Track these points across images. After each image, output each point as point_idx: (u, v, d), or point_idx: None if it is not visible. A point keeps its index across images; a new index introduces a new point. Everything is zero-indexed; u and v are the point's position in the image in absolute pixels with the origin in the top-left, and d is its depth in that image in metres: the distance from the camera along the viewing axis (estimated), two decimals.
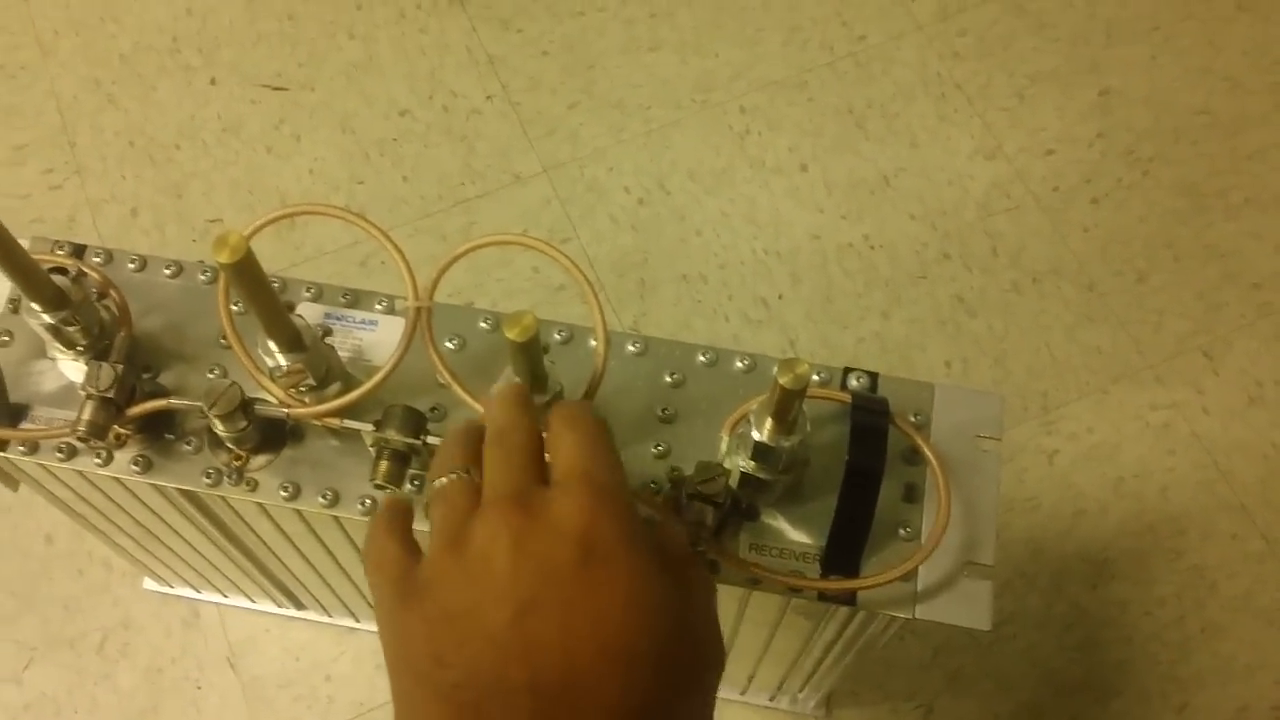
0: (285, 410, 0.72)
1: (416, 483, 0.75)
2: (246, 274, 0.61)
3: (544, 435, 0.58)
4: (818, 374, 0.77)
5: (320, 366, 0.72)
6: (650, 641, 0.50)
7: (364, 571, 0.57)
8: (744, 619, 0.85)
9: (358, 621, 1.25)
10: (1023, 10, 1.63)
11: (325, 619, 1.26)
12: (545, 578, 0.50)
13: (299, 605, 1.24)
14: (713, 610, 0.58)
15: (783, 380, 0.61)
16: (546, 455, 0.57)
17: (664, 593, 0.52)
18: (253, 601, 1.26)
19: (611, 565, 0.51)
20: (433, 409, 0.76)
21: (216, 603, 1.28)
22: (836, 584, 0.71)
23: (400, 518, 0.58)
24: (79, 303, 0.73)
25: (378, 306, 0.81)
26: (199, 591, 1.27)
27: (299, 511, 0.78)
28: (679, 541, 0.61)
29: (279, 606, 1.25)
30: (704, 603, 0.57)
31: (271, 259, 1.39)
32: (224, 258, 0.58)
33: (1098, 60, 1.60)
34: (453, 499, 0.55)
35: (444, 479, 0.56)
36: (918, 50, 1.61)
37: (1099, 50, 1.61)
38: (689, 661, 0.52)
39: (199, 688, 1.26)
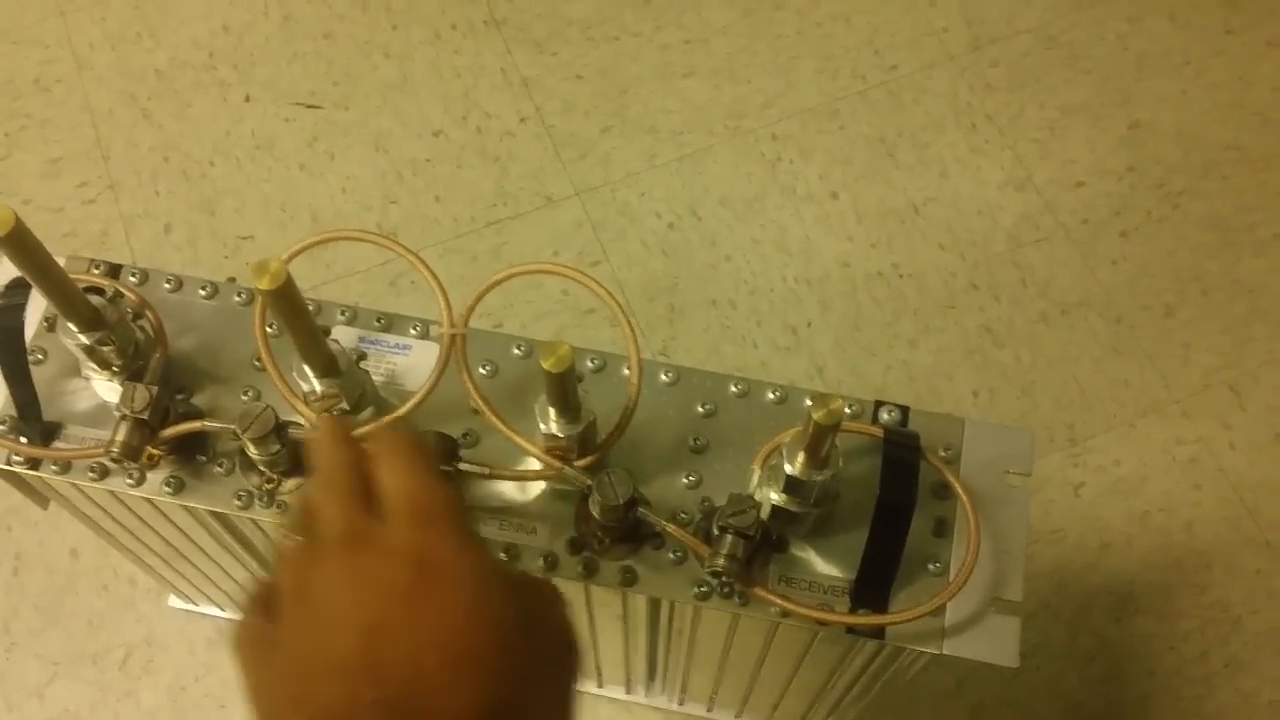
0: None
1: None
2: (286, 300, 0.61)
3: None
4: (849, 407, 0.78)
5: (354, 391, 0.73)
6: (496, 642, 0.51)
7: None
8: (771, 649, 0.85)
9: None
10: (1055, 42, 1.63)
11: None
12: (385, 601, 0.51)
13: None
14: (558, 607, 0.59)
15: (817, 415, 0.61)
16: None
17: (503, 595, 0.53)
18: None
19: (448, 577, 0.52)
20: (465, 435, 0.77)
21: None
22: (865, 619, 0.71)
23: (261, 590, 0.58)
24: (115, 323, 0.74)
25: (412, 331, 0.81)
26: (224, 610, 1.27)
27: None
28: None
29: None
30: (547, 600, 0.58)
31: (303, 277, 1.40)
32: (265, 284, 0.59)
33: (1129, 93, 1.60)
34: (294, 554, 0.56)
35: (293, 538, 0.58)
36: (949, 80, 1.61)
37: (1130, 83, 1.61)
38: (538, 658, 0.53)
39: (222, 706, 1.26)
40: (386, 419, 0.73)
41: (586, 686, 1.24)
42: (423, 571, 0.52)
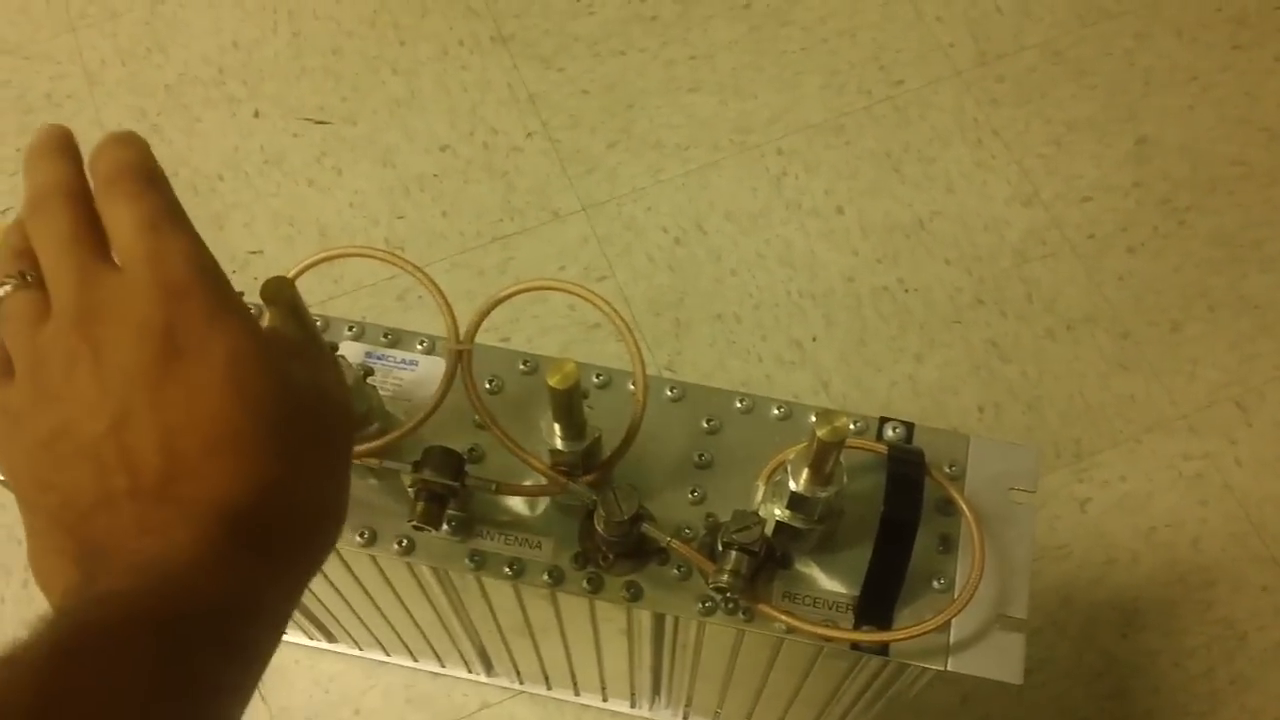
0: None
1: (453, 524, 0.76)
2: (294, 317, 0.61)
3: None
4: (854, 423, 0.78)
5: (361, 406, 0.73)
6: (256, 422, 0.47)
7: None
8: (776, 664, 0.85)
9: (388, 655, 1.26)
10: (1061, 58, 1.64)
11: (355, 652, 1.27)
12: (133, 382, 0.47)
13: (330, 638, 1.24)
14: (330, 370, 0.56)
15: (821, 432, 0.62)
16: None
17: (263, 367, 0.49)
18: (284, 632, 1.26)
19: (201, 352, 0.47)
20: (471, 450, 0.77)
21: None
22: (869, 635, 0.72)
23: None
24: None
25: (419, 346, 0.81)
26: None
27: (337, 550, 0.79)
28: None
29: (309, 638, 1.26)
30: (317, 364, 0.55)
31: (310, 292, 1.40)
32: (272, 300, 0.59)
33: (1135, 109, 1.61)
34: (17, 313, 0.50)
35: (5, 287, 0.50)
36: (955, 95, 1.61)
37: (1137, 99, 1.61)
38: (307, 428, 0.50)
39: None
40: (393, 435, 0.73)
41: (591, 700, 1.24)
42: (172, 348, 0.47)
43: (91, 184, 0.51)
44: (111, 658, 0.42)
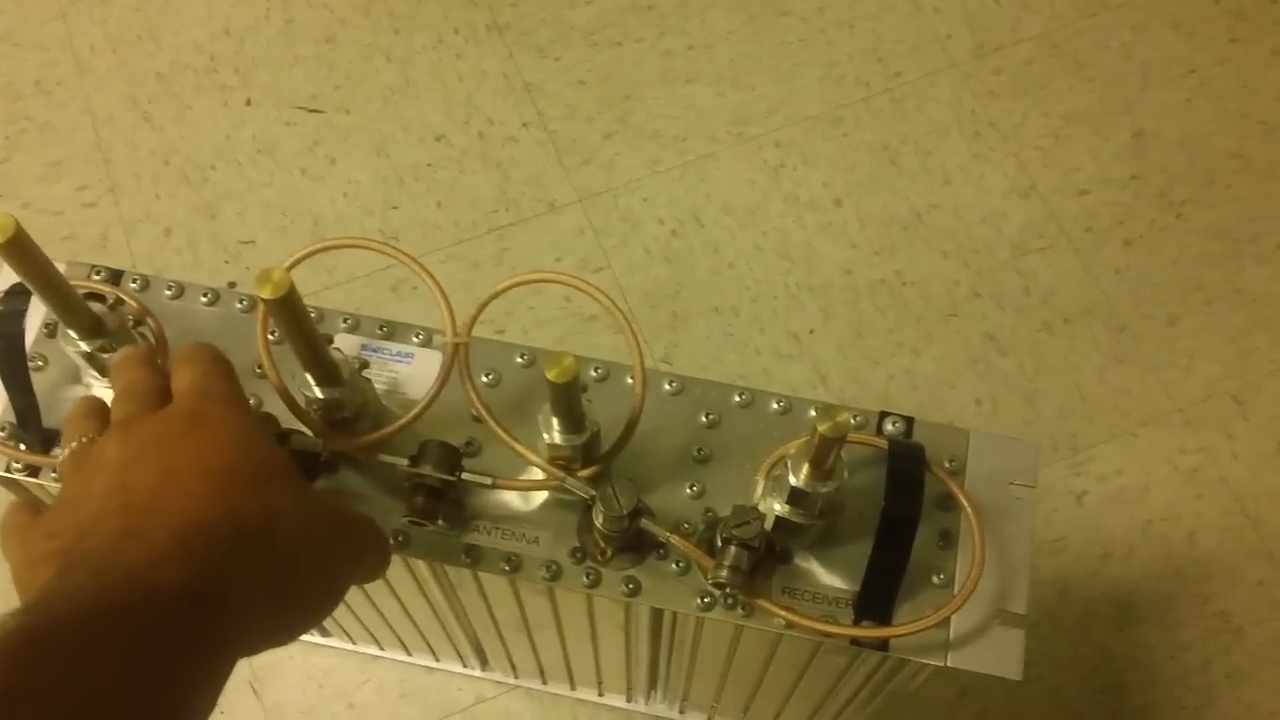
0: (320, 442, 0.72)
1: (449, 518, 0.75)
2: (288, 310, 0.61)
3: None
4: (854, 418, 0.77)
5: (357, 400, 0.72)
6: (253, 469, 0.54)
7: None
8: (774, 659, 0.85)
9: (382, 649, 1.25)
10: (1059, 50, 1.63)
11: (349, 646, 1.26)
12: (150, 444, 0.54)
13: (324, 632, 1.24)
14: (365, 523, 0.64)
15: (822, 428, 0.61)
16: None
17: (270, 447, 0.57)
18: None
19: (218, 424, 0.56)
20: (467, 444, 0.77)
21: None
22: (869, 631, 0.71)
23: (24, 495, 0.62)
24: (115, 330, 0.73)
25: (414, 339, 0.81)
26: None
27: None
28: None
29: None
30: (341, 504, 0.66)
31: (304, 283, 1.39)
32: (267, 294, 0.58)
33: (1133, 102, 1.60)
34: (78, 453, 0.58)
35: (73, 444, 0.59)
36: (953, 88, 1.61)
37: (1134, 92, 1.61)
38: (285, 482, 0.56)
39: (221, 712, 1.25)
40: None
41: (587, 695, 1.24)
42: (192, 422, 0.56)
43: (171, 369, 0.62)
44: (79, 647, 0.44)
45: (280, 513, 0.54)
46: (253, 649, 0.53)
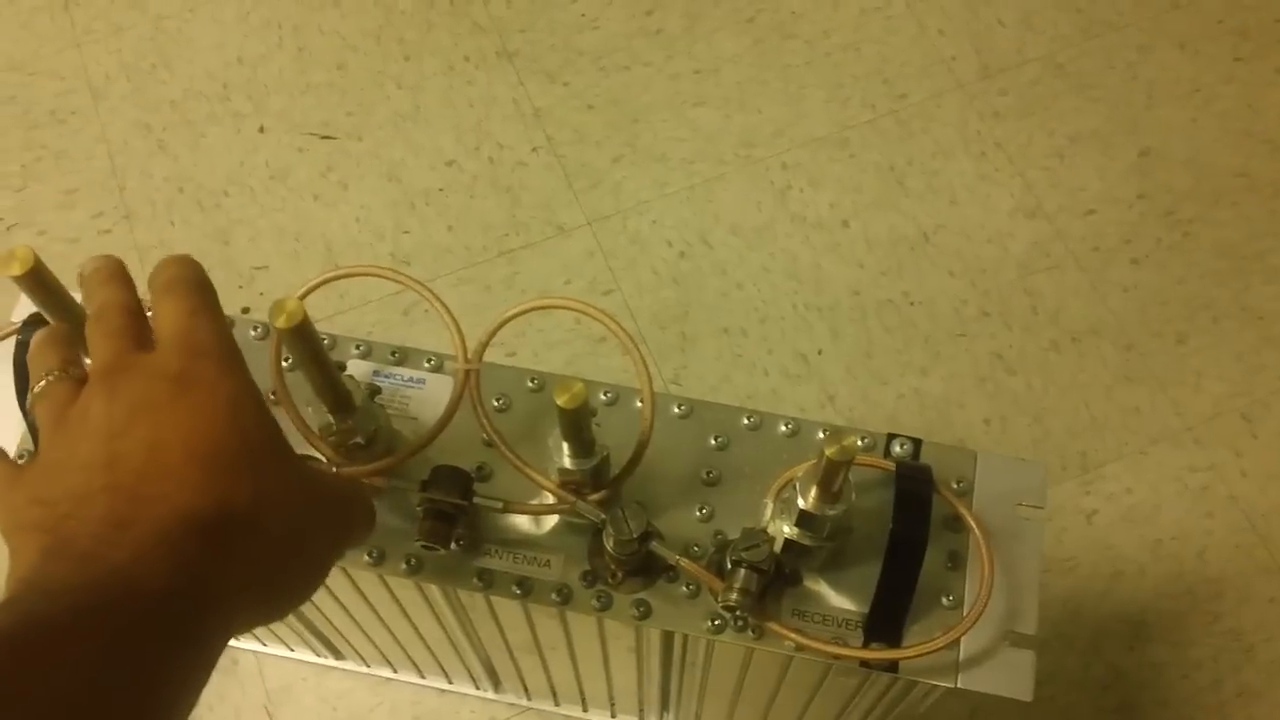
0: (333, 468, 0.73)
1: (461, 542, 0.76)
2: (302, 338, 0.62)
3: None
4: (861, 440, 0.78)
5: (369, 426, 0.73)
6: (242, 451, 0.52)
7: None
8: (785, 681, 0.85)
9: (395, 672, 1.26)
10: (1064, 70, 1.64)
11: (363, 669, 1.27)
12: (138, 408, 0.51)
13: (337, 655, 1.25)
14: (349, 485, 0.63)
15: (830, 452, 0.62)
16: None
17: (262, 411, 0.54)
18: (291, 650, 1.27)
19: (209, 390, 0.52)
20: (478, 468, 0.77)
21: (255, 650, 1.29)
22: (879, 653, 0.72)
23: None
24: None
25: (426, 364, 0.81)
26: (237, 638, 1.27)
27: (344, 568, 0.79)
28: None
29: (317, 655, 1.26)
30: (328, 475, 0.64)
31: (318, 307, 1.41)
32: (281, 323, 0.59)
33: (1138, 121, 1.61)
34: (53, 395, 0.55)
35: (42, 383, 0.56)
36: (959, 109, 1.62)
37: (1140, 111, 1.61)
38: (287, 472, 0.54)
39: None
40: (406, 454, 0.74)
41: (600, 717, 1.24)
42: (183, 384, 0.52)
43: (149, 294, 0.57)
44: (58, 651, 0.43)
45: (269, 496, 0.52)
46: (238, 634, 0.52)
